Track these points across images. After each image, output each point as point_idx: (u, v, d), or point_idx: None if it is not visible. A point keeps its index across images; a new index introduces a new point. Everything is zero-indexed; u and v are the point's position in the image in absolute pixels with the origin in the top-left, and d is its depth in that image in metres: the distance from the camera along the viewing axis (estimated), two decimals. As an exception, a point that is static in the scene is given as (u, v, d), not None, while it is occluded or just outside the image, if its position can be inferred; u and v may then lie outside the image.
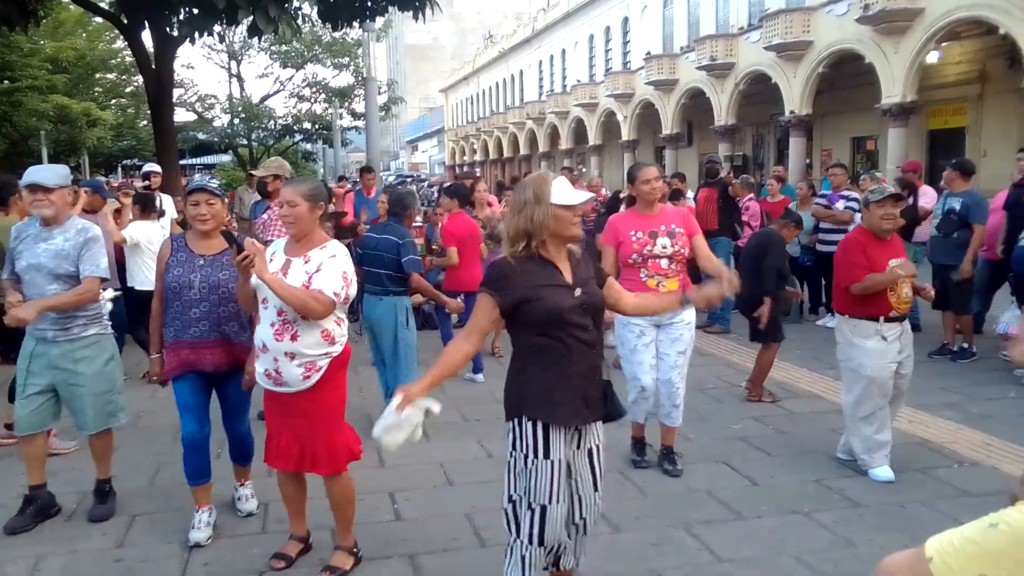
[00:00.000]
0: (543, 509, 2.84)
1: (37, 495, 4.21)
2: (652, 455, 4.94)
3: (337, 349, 3.49)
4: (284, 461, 3.56)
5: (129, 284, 7.02)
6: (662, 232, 4.54)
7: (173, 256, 3.89)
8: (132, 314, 6.90)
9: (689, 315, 4.65)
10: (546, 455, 2.83)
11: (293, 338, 3.36)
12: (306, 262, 3.43)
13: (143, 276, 6.76)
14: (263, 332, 3.42)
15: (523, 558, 2.90)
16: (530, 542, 2.88)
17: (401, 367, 5.56)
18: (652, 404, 4.76)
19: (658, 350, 4.69)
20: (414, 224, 11.33)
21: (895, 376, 4.67)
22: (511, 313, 2.85)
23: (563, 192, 2.85)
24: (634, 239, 4.55)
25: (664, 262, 4.53)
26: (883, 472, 4.62)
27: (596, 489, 3.00)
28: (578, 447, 2.95)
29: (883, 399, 4.64)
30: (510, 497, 2.94)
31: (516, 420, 2.89)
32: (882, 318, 4.57)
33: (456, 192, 7.37)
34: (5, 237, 4.38)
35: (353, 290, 3.51)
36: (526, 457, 2.86)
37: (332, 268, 3.39)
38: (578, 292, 2.89)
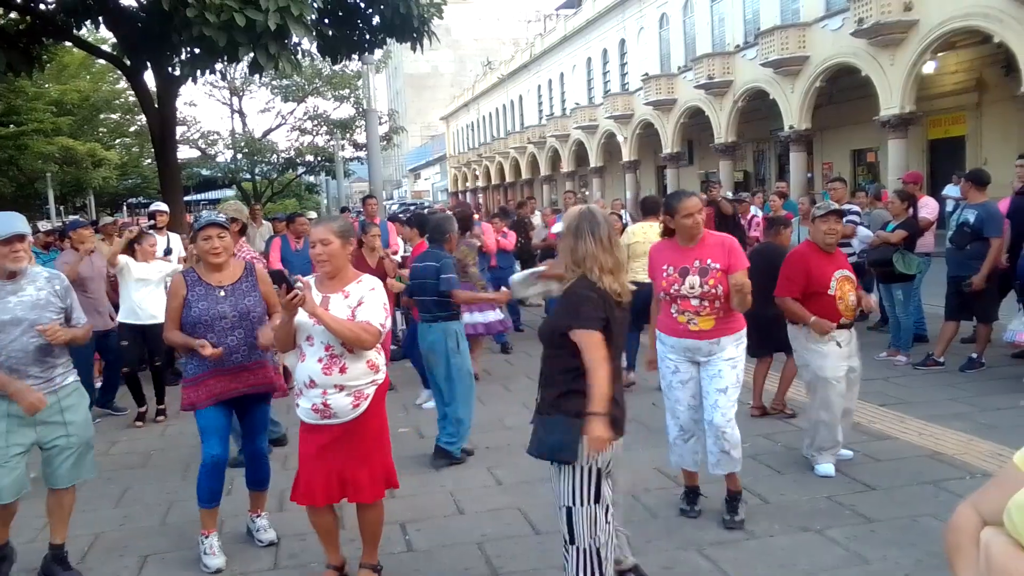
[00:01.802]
0: None
1: (6, 553, 3.99)
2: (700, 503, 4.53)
3: (381, 377, 3.67)
4: (323, 496, 3.60)
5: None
6: (694, 269, 4.15)
7: (191, 291, 3.99)
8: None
9: (732, 351, 4.23)
10: None
11: (342, 371, 3.50)
12: (346, 297, 3.57)
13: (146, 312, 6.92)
14: (309, 368, 3.52)
15: None
16: None
17: (457, 392, 5.56)
18: (698, 447, 4.39)
19: (701, 388, 4.31)
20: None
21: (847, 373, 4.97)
22: None
23: None
24: (664, 275, 4.24)
25: (694, 301, 4.16)
26: (826, 468, 4.92)
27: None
28: None
29: (841, 400, 4.89)
30: None
31: None
32: (834, 325, 4.84)
33: (418, 222, 7.41)
34: None
35: (390, 321, 3.66)
36: None
37: (374, 300, 3.55)
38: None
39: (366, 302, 3.53)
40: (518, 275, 3.61)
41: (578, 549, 3.12)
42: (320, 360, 3.50)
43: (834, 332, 4.85)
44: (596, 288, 3.08)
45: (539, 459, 3.18)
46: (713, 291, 4.13)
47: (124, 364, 7.04)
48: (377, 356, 3.64)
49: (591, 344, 3.03)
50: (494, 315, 7.70)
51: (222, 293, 3.99)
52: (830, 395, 4.87)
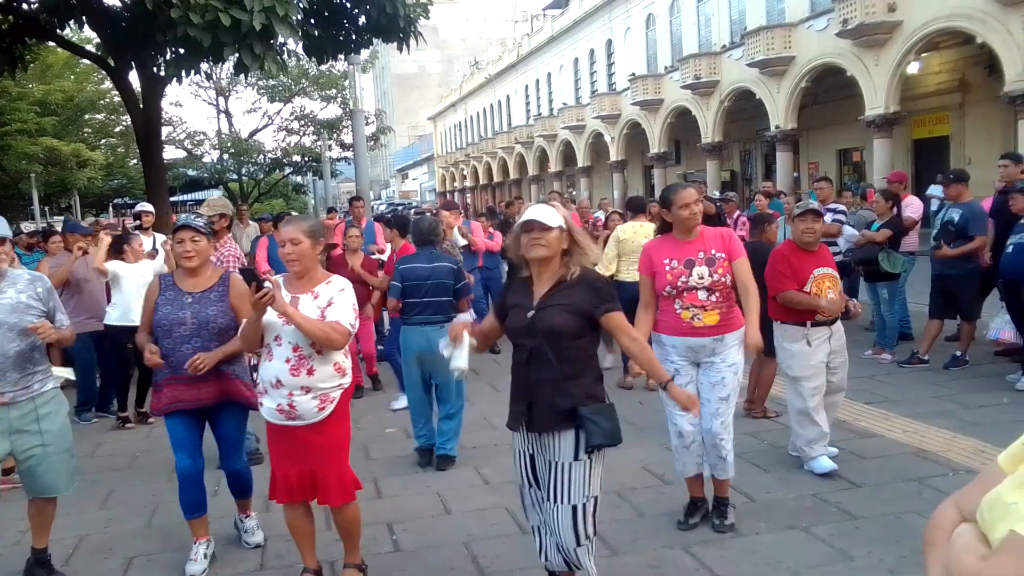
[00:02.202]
0: (520, 486, 3.35)
1: None
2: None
3: (347, 381, 3.62)
4: (293, 494, 3.59)
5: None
6: (700, 260, 4.09)
7: (161, 295, 3.95)
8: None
9: (735, 355, 4.17)
10: (513, 444, 3.32)
11: (309, 372, 3.46)
12: (315, 297, 3.53)
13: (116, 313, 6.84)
14: (276, 368, 3.48)
15: None
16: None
17: (462, 391, 5.57)
18: (698, 453, 4.27)
19: (700, 394, 4.16)
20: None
21: (828, 372, 4.99)
22: (501, 321, 3.36)
23: (533, 212, 3.16)
24: (668, 269, 4.11)
25: (702, 293, 4.07)
26: (822, 463, 4.92)
27: (554, 501, 3.15)
28: (540, 452, 3.21)
29: (814, 397, 4.92)
30: None
31: None
32: (808, 323, 4.89)
33: (397, 223, 7.36)
34: None
35: (358, 323, 3.62)
36: None
37: (343, 301, 3.51)
38: (530, 314, 3.14)
39: (336, 302, 3.49)
40: (444, 347, 3.40)
41: (591, 540, 3.18)
42: (288, 360, 3.45)
43: (808, 330, 4.89)
44: None
45: (607, 447, 3.15)
46: (723, 280, 4.09)
47: (130, 367, 6.98)
48: (344, 359, 3.60)
49: (626, 323, 3.24)
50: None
51: (189, 299, 3.91)
52: (795, 395, 4.99)
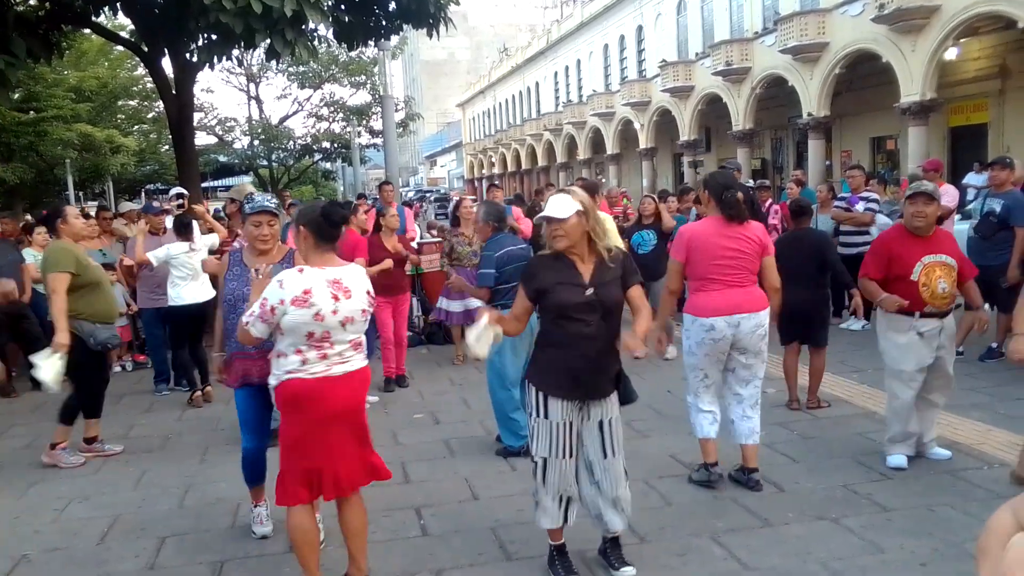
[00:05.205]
0: (544, 461, 3.50)
1: None
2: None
3: (280, 372, 3.37)
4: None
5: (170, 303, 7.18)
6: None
7: (229, 271, 4.04)
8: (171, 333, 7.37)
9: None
10: (545, 416, 3.47)
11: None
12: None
13: (174, 293, 7.09)
14: None
15: (537, 501, 3.56)
16: (543, 485, 3.52)
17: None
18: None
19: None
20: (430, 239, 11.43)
21: (934, 370, 4.72)
22: (535, 300, 3.48)
23: (547, 206, 3.42)
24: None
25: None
26: (895, 460, 4.81)
27: (605, 455, 3.54)
28: (588, 418, 3.52)
29: (911, 394, 4.71)
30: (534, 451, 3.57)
31: (527, 385, 3.58)
32: (917, 313, 4.61)
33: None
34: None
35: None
36: (531, 416, 3.53)
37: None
38: (589, 291, 3.39)
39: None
40: (472, 336, 3.44)
41: (627, 475, 3.66)
42: None
43: (916, 321, 4.62)
44: None
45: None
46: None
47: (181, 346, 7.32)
48: (275, 345, 3.36)
49: (643, 295, 3.62)
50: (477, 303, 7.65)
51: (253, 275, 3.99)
52: (897, 388, 4.74)
